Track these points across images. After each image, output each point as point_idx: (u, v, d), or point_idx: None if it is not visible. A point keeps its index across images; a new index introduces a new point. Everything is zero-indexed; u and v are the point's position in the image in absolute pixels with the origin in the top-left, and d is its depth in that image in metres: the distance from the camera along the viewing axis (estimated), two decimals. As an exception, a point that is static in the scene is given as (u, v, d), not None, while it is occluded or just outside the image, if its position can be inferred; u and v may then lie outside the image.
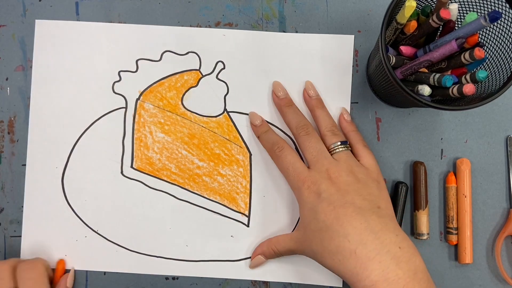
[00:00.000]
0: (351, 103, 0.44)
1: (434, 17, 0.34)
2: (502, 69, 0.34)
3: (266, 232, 0.44)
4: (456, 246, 0.43)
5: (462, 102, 0.36)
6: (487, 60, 0.36)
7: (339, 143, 0.40)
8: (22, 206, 0.44)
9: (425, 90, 0.35)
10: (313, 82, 0.44)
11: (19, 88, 0.45)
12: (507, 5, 0.33)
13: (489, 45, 0.36)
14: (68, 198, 0.44)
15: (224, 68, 0.45)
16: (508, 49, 0.34)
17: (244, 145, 0.44)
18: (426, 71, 0.37)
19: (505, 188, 0.44)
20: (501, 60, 0.35)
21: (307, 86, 0.43)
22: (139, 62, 0.45)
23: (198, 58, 0.45)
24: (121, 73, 0.45)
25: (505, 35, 0.35)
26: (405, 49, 0.37)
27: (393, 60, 0.36)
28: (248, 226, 0.44)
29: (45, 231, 0.44)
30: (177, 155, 0.44)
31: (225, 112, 0.45)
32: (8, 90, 0.45)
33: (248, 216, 0.44)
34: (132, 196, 0.44)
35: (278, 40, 0.44)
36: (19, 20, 0.45)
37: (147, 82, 0.45)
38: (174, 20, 0.45)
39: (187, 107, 0.45)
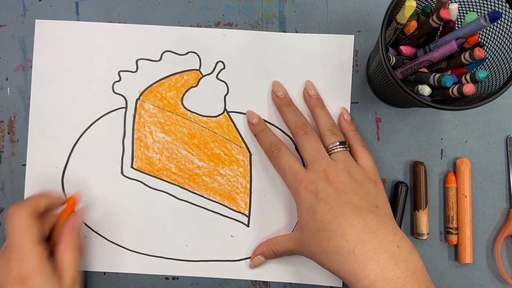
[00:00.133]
0: (351, 103, 0.44)
1: (434, 17, 0.34)
2: (502, 69, 0.34)
3: (266, 232, 0.44)
4: (456, 246, 0.43)
5: (462, 102, 0.36)
6: (487, 60, 0.36)
7: (337, 143, 0.40)
8: (22, 206, 0.44)
9: (425, 90, 0.35)
10: (313, 82, 0.44)
11: (19, 88, 0.45)
12: (507, 5, 0.33)
13: (489, 45, 0.36)
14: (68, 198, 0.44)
15: (224, 68, 0.45)
16: (508, 49, 0.34)
17: (244, 145, 0.44)
18: (426, 71, 0.37)
19: (505, 188, 0.44)
20: (501, 60, 0.35)
21: (307, 85, 0.43)
22: (139, 62, 0.45)
23: (198, 58, 0.45)
24: (121, 73, 0.45)
25: (505, 35, 0.35)
26: (405, 49, 0.37)
27: (393, 60, 0.36)
28: (248, 226, 0.44)
29: (45, 231, 0.44)
30: (177, 155, 0.44)
31: (225, 112, 0.45)
32: (8, 90, 0.45)
33: (248, 216, 0.44)
34: (132, 196, 0.44)
35: (278, 40, 0.44)
36: (19, 20, 0.45)
37: (147, 82, 0.45)
38: (174, 20, 0.45)
39: (187, 107, 0.45)
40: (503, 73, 0.34)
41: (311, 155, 0.39)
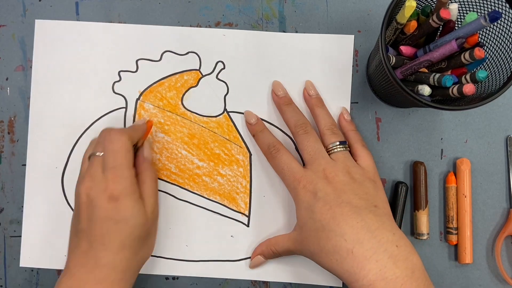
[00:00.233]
0: (351, 103, 0.44)
1: (434, 17, 0.34)
2: (502, 69, 0.34)
3: (266, 232, 0.44)
4: (456, 246, 0.43)
5: (462, 102, 0.36)
6: (487, 60, 0.36)
7: (337, 143, 0.40)
8: (22, 206, 0.44)
9: (425, 90, 0.35)
10: (313, 82, 0.44)
11: (19, 88, 0.45)
12: (507, 5, 0.33)
13: (489, 45, 0.36)
14: (68, 198, 0.44)
15: (224, 68, 0.45)
16: (508, 49, 0.34)
17: (244, 145, 0.44)
18: (426, 71, 0.37)
19: (505, 188, 0.44)
20: (501, 60, 0.35)
21: (307, 85, 0.43)
22: (139, 62, 0.45)
23: (198, 58, 0.45)
24: (121, 73, 0.45)
25: (505, 35, 0.35)
26: (405, 49, 0.37)
27: (393, 60, 0.36)
28: (248, 226, 0.44)
29: (45, 231, 0.44)
30: (177, 155, 0.44)
31: (225, 112, 0.45)
32: (8, 90, 0.45)
33: (248, 216, 0.44)
34: (132, 196, 0.44)
35: (278, 40, 0.44)
36: (19, 20, 0.45)
37: (147, 82, 0.45)
38: (174, 20, 0.45)
39: (187, 107, 0.45)
40: (503, 73, 0.34)
41: (311, 155, 0.39)
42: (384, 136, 0.44)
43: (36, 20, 0.45)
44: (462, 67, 0.37)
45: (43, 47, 0.45)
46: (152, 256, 0.44)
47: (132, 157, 0.38)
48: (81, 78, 0.45)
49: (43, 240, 0.44)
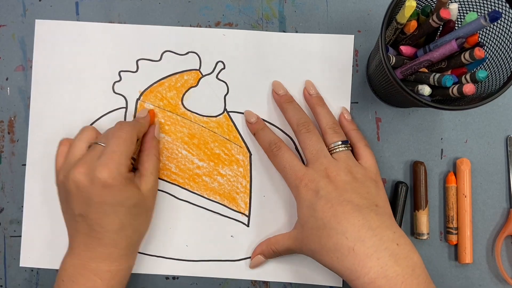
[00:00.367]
0: (351, 103, 0.44)
1: (434, 17, 0.34)
2: (502, 69, 0.34)
3: (266, 232, 0.44)
4: (456, 246, 0.43)
5: (462, 102, 0.36)
6: (487, 60, 0.36)
7: (339, 142, 0.40)
8: (22, 206, 0.44)
9: (425, 90, 0.35)
10: (313, 82, 0.44)
11: (19, 88, 0.45)
12: (507, 5, 0.33)
13: (489, 45, 0.36)
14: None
15: (224, 68, 0.45)
16: (508, 49, 0.34)
17: (244, 145, 0.44)
18: (426, 71, 0.37)
19: (505, 188, 0.44)
20: (501, 60, 0.35)
21: (307, 85, 0.43)
22: (139, 62, 0.45)
23: (198, 58, 0.45)
24: (121, 73, 0.45)
25: (505, 35, 0.35)
26: (405, 49, 0.37)
27: (393, 60, 0.36)
28: (248, 226, 0.44)
29: (45, 231, 0.44)
30: (177, 155, 0.44)
31: (225, 112, 0.45)
32: (8, 90, 0.45)
33: (248, 216, 0.44)
34: (132, 196, 0.44)
35: (278, 40, 0.44)
36: (19, 20, 0.45)
37: (148, 82, 0.45)
38: (174, 20, 0.45)
39: (187, 107, 0.45)
40: (503, 73, 0.34)
41: (313, 154, 0.39)
42: (384, 136, 0.44)
43: (36, 20, 0.45)
44: (462, 67, 0.37)
45: (43, 47, 0.45)
46: (152, 256, 0.44)
47: (133, 150, 0.39)
48: (81, 78, 0.45)
49: (43, 240, 0.44)
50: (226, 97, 0.45)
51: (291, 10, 0.45)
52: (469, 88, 0.33)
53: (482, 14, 0.34)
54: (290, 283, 0.44)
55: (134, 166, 0.41)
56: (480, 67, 0.37)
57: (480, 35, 0.36)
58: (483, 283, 0.43)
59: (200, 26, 0.45)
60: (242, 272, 0.44)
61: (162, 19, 0.45)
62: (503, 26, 0.35)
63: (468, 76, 0.35)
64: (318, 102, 0.42)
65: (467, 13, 0.36)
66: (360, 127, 0.44)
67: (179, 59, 0.45)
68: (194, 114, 0.45)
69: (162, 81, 0.45)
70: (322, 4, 0.45)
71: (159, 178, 0.44)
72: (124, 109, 0.45)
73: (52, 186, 0.44)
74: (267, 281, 0.44)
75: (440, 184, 0.44)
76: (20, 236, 0.44)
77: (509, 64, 0.34)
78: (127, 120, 0.44)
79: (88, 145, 0.40)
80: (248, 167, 0.44)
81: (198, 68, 0.45)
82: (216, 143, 0.44)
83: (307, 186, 0.38)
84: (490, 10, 0.34)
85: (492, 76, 0.35)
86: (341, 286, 0.43)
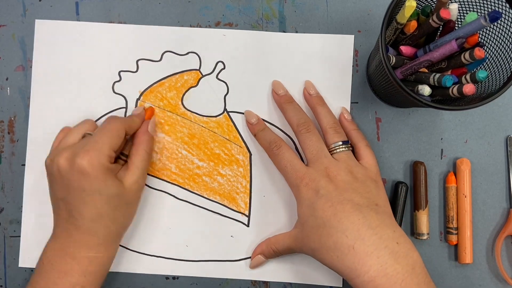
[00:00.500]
0: (351, 103, 0.44)
1: (434, 17, 0.34)
2: (502, 69, 0.34)
3: (266, 232, 0.44)
4: (456, 246, 0.43)
5: (462, 102, 0.36)
6: (487, 60, 0.36)
7: (340, 142, 0.40)
8: (22, 206, 0.44)
9: (425, 90, 0.35)
10: (313, 82, 0.44)
11: (19, 88, 0.45)
12: (507, 5, 0.33)
13: (489, 45, 0.36)
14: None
15: (224, 68, 0.45)
16: (508, 49, 0.34)
17: (244, 145, 0.44)
18: (426, 71, 0.37)
19: (505, 188, 0.44)
20: (501, 60, 0.35)
21: (307, 85, 0.43)
22: (139, 62, 0.45)
23: (198, 58, 0.45)
24: (121, 73, 0.45)
25: (505, 35, 0.35)
26: (405, 49, 0.37)
27: (393, 60, 0.36)
28: (248, 226, 0.44)
29: (45, 231, 0.44)
30: (177, 155, 0.44)
31: (225, 112, 0.45)
32: (8, 90, 0.45)
33: (248, 216, 0.44)
34: (132, 196, 0.44)
35: (278, 40, 0.44)
36: (19, 20, 0.45)
37: (148, 82, 0.45)
38: (174, 20, 0.45)
39: (187, 107, 0.45)
40: (503, 73, 0.34)
41: (313, 154, 0.39)
42: (384, 136, 0.44)
43: (36, 20, 0.45)
44: (462, 67, 0.37)
45: (43, 47, 0.45)
46: (152, 256, 0.44)
47: (119, 143, 0.39)
48: (81, 78, 0.45)
49: (42, 240, 0.44)
50: (226, 97, 0.45)
51: (291, 10, 0.45)
52: (469, 88, 0.33)
53: (482, 14, 0.34)
54: (290, 283, 0.44)
55: (126, 161, 0.41)
56: (480, 67, 0.37)
57: (480, 35, 0.36)
58: (483, 283, 0.43)
59: (200, 26, 0.45)
60: (242, 272, 0.44)
61: (162, 19, 0.45)
62: (503, 26, 0.35)
63: (468, 76, 0.35)
64: (319, 102, 0.42)
65: (467, 13, 0.36)
66: (360, 127, 0.44)
67: (179, 59, 0.45)
68: (194, 114, 0.45)
69: (162, 81, 0.45)
70: (322, 4, 0.45)
71: (159, 179, 0.44)
72: (124, 109, 0.45)
73: (52, 186, 0.44)
74: (267, 281, 0.44)
75: (440, 184, 0.44)
76: (20, 236, 0.44)
77: (509, 64, 0.34)
78: (127, 120, 0.44)
79: (83, 135, 0.40)
80: (248, 167, 0.44)
81: (198, 68, 0.45)
82: (216, 143, 0.44)
83: (308, 186, 0.38)
84: (490, 10, 0.34)
85: (492, 76, 0.35)
86: (341, 286, 0.43)
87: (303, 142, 0.40)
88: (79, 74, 0.45)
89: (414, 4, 0.33)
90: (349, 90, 0.44)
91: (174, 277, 0.44)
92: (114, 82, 0.45)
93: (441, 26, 0.37)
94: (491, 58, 0.36)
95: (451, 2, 0.35)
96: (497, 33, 0.35)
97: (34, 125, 0.45)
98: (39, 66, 0.45)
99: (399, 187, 0.43)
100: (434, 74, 0.35)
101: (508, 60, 0.34)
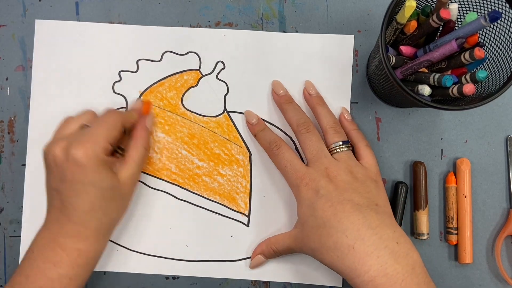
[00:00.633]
0: (351, 103, 0.44)
1: (434, 17, 0.34)
2: (502, 69, 0.34)
3: (266, 232, 0.44)
4: (456, 246, 0.43)
5: (462, 102, 0.36)
6: (487, 60, 0.36)
7: (340, 142, 0.40)
8: (22, 206, 0.44)
9: (425, 90, 0.35)
10: (313, 82, 0.44)
11: (19, 88, 0.45)
12: (507, 5, 0.33)
13: (489, 45, 0.36)
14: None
15: (224, 68, 0.45)
16: (508, 49, 0.34)
17: (244, 145, 0.44)
18: (426, 71, 0.37)
19: (505, 188, 0.44)
20: (501, 60, 0.35)
21: (307, 85, 0.43)
22: (139, 62, 0.45)
23: (198, 58, 0.45)
24: (121, 73, 0.45)
25: (505, 35, 0.35)
26: (405, 49, 0.37)
27: (393, 60, 0.36)
28: (248, 226, 0.44)
29: (45, 231, 0.44)
30: (177, 155, 0.44)
31: (225, 112, 0.45)
32: (8, 90, 0.45)
33: (248, 216, 0.44)
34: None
35: (278, 40, 0.44)
36: (19, 20, 0.45)
37: (148, 82, 0.45)
38: (174, 20, 0.45)
39: (187, 107, 0.45)
40: (503, 73, 0.34)
41: (313, 154, 0.39)
42: (384, 136, 0.44)
43: (36, 20, 0.45)
44: (462, 67, 0.37)
45: (43, 47, 0.45)
46: (152, 256, 0.44)
47: (116, 136, 0.39)
48: (81, 78, 0.45)
49: (43, 240, 0.44)
50: (226, 97, 0.45)
51: (291, 10, 0.45)
52: (469, 88, 0.33)
53: (482, 14, 0.34)
54: (290, 283, 0.44)
55: (122, 155, 0.41)
56: (480, 67, 0.37)
57: (480, 35, 0.36)
58: (483, 283, 0.43)
59: (200, 26, 0.45)
60: (242, 272, 0.44)
61: (162, 19, 0.45)
62: (503, 26, 0.35)
63: (468, 76, 0.35)
64: (319, 102, 0.42)
65: (467, 13, 0.36)
66: (360, 127, 0.44)
67: (179, 59, 0.45)
68: (194, 114, 0.45)
69: (162, 81, 0.45)
70: (322, 4, 0.45)
71: (159, 179, 0.44)
72: (124, 109, 0.45)
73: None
74: (267, 281, 0.44)
75: (440, 184, 0.44)
76: (20, 236, 0.44)
77: (509, 64, 0.34)
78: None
79: (81, 126, 0.40)
80: (248, 167, 0.44)
81: (198, 68, 0.45)
82: (216, 143, 0.44)
83: (308, 186, 0.38)
84: (490, 10, 0.34)
85: (492, 76, 0.35)
86: (341, 286, 0.43)
87: (303, 142, 0.40)
88: (79, 74, 0.45)
89: (414, 4, 0.33)
90: (349, 90, 0.44)
91: (174, 277, 0.44)
92: (114, 82, 0.45)
93: (441, 26, 0.37)
94: (491, 58, 0.36)
95: (451, 2, 0.35)
96: (497, 33, 0.35)
97: (34, 125, 0.45)
98: (39, 66, 0.45)
99: (399, 187, 0.43)
100: (434, 74, 0.35)
101: (508, 60, 0.34)
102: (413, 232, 0.44)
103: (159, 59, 0.45)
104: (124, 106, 0.45)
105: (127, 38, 0.45)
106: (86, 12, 0.45)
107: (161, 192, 0.44)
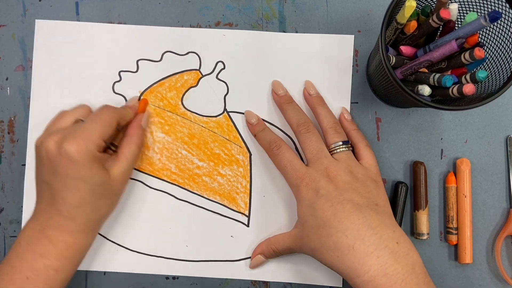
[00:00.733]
0: (351, 103, 0.44)
1: (434, 17, 0.34)
2: (502, 69, 0.34)
3: (266, 232, 0.44)
4: (456, 246, 0.43)
5: (462, 102, 0.36)
6: (487, 60, 0.36)
7: (340, 142, 0.40)
8: (22, 206, 0.44)
9: (425, 90, 0.35)
10: (313, 82, 0.44)
11: (19, 88, 0.45)
12: (507, 5, 0.33)
13: (489, 45, 0.36)
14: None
15: (224, 68, 0.45)
16: (508, 49, 0.34)
17: (244, 145, 0.44)
18: (426, 71, 0.37)
19: (505, 188, 0.44)
20: (501, 60, 0.35)
21: (307, 85, 0.43)
22: (139, 62, 0.45)
23: (198, 58, 0.45)
24: (121, 73, 0.45)
25: (505, 35, 0.35)
26: (405, 49, 0.37)
27: (393, 60, 0.36)
28: (248, 226, 0.44)
29: (45, 231, 0.44)
30: (177, 155, 0.44)
31: (225, 112, 0.45)
32: (8, 90, 0.45)
33: (248, 216, 0.44)
34: (132, 196, 0.44)
35: (278, 40, 0.44)
36: (19, 20, 0.45)
37: (148, 82, 0.45)
38: (174, 20, 0.45)
39: (187, 107, 0.45)
40: (503, 73, 0.34)
41: (313, 154, 0.39)
42: (384, 136, 0.44)
43: (36, 20, 0.45)
44: (462, 67, 0.37)
45: (43, 47, 0.45)
46: (152, 256, 0.44)
47: (110, 132, 0.38)
48: (81, 78, 0.45)
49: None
50: (226, 97, 0.45)
51: (291, 10, 0.45)
52: (469, 88, 0.33)
53: (482, 14, 0.34)
54: (290, 283, 0.44)
55: (115, 152, 0.41)
56: (480, 67, 0.37)
57: (480, 35, 0.36)
58: (483, 283, 0.43)
59: (200, 26, 0.45)
60: (242, 272, 0.44)
61: (162, 19, 0.45)
62: (503, 26, 0.35)
63: (468, 76, 0.35)
64: (319, 102, 0.42)
65: (467, 13, 0.36)
66: (360, 127, 0.44)
67: (179, 59, 0.45)
68: (194, 114, 0.45)
69: (162, 81, 0.45)
70: (322, 4, 0.45)
71: (159, 179, 0.44)
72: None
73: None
74: (267, 281, 0.44)
75: (440, 184, 0.44)
76: (20, 236, 0.44)
77: (509, 64, 0.34)
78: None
79: (76, 120, 0.40)
80: (248, 167, 0.44)
81: (198, 68, 0.45)
82: (216, 143, 0.44)
83: (308, 186, 0.38)
84: (490, 10, 0.34)
85: (492, 76, 0.35)
86: (341, 286, 0.43)
87: (303, 142, 0.40)
88: (79, 74, 0.45)
89: (414, 4, 0.33)
90: (349, 90, 0.44)
91: (174, 277, 0.44)
92: (114, 82, 0.45)
93: (441, 26, 0.37)
94: (491, 58, 0.36)
95: (451, 2, 0.35)
96: (497, 33, 0.35)
97: (34, 125, 0.45)
98: (39, 66, 0.45)
99: (399, 187, 0.43)
100: (434, 74, 0.35)
101: (508, 60, 0.34)
102: (413, 232, 0.44)
103: (159, 59, 0.45)
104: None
105: (127, 38, 0.45)
106: (86, 12, 0.45)
107: (161, 192, 0.44)
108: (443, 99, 0.37)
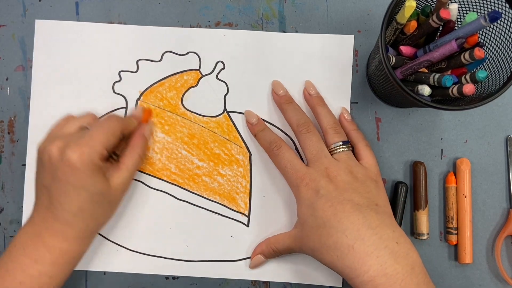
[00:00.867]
0: (351, 103, 0.44)
1: (434, 17, 0.34)
2: (502, 69, 0.34)
3: (266, 232, 0.44)
4: (456, 246, 0.43)
5: (462, 102, 0.36)
6: (487, 60, 0.36)
7: (340, 143, 0.40)
8: (22, 206, 0.44)
9: (425, 90, 0.35)
10: (313, 82, 0.44)
11: (19, 88, 0.45)
12: (507, 5, 0.33)
13: (489, 45, 0.36)
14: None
15: (224, 68, 0.45)
16: (508, 49, 0.34)
17: (244, 145, 0.44)
18: (426, 71, 0.37)
19: (505, 188, 0.44)
20: (501, 60, 0.35)
21: (307, 85, 0.43)
22: (139, 62, 0.45)
23: (198, 58, 0.45)
24: (121, 73, 0.45)
25: (505, 35, 0.35)
26: (405, 49, 0.37)
27: (393, 60, 0.36)
28: (248, 226, 0.44)
29: (45, 231, 0.44)
30: (177, 155, 0.44)
31: (225, 112, 0.45)
32: (8, 90, 0.45)
33: (248, 216, 0.44)
34: (132, 196, 0.44)
35: (278, 40, 0.44)
36: (19, 20, 0.45)
37: (148, 82, 0.45)
38: (174, 20, 0.45)
39: (187, 107, 0.45)
40: (503, 73, 0.34)
41: (313, 154, 0.40)
42: (384, 136, 0.44)
43: (36, 20, 0.45)
44: (462, 67, 0.37)
45: (43, 47, 0.45)
46: (152, 256, 0.44)
47: (114, 142, 0.38)
48: (81, 78, 0.45)
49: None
50: (226, 97, 0.45)
51: (291, 10, 0.45)
52: (469, 88, 0.33)
53: (482, 14, 0.34)
54: (290, 283, 0.44)
55: (116, 161, 0.41)
56: (480, 67, 0.37)
57: (480, 35, 0.36)
58: (483, 283, 0.43)
59: (200, 26, 0.45)
60: (242, 272, 0.44)
61: (162, 19, 0.45)
62: (503, 26, 0.35)
63: (468, 76, 0.35)
64: (319, 102, 0.42)
65: (467, 13, 0.36)
66: (360, 127, 0.44)
67: (179, 59, 0.45)
68: (194, 114, 0.45)
69: (162, 81, 0.45)
70: (322, 4, 0.45)
71: (159, 179, 0.44)
72: (124, 109, 0.45)
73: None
74: (267, 281, 0.44)
75: (440, 184, 0.44)
76: (20, 236, 0.44)
77: (509, 64, 0.34)
78: (127, 120, 0.44)
79: (80, 127, 0.40)
80: (248, 167, 0.44)
81: (198, 68, 0.45)
82: (216, 143, 0.44)
83: (308, 186, 0.38)
84: (490, 10, 0.34)
85: (492, 76, 0.35)
86: (341, 286, 0.43)
87: (303, 142, 0.40)
88: (79, 74, 0.45)
89: (414, 4, 0.33)
90: (349, 90, 0.44)
91: (174, 277, 0.44)
92: (114, 82, 0.45)
93: (441, 26, 0.37)
94: (491, 58, 0.36)
95: (451, 2, 0.35)
96: (497, 33, 0.35)
97: (34, 125, 0.45)
98: (39, 66, 0.45)
99: (399, 187, 0.43)
100: (434, 74, 0.35)
101: (508, 60, 0.34)
102: (413, 232, 0.44)
103: (159, 59, 0.45)
104: (124, 106, 0.45)
105: (127, 38, 0.45)
106: (86, 12, 0.45)
107: (161, 192, 0.44)
108: (443, 99, 0.37)
